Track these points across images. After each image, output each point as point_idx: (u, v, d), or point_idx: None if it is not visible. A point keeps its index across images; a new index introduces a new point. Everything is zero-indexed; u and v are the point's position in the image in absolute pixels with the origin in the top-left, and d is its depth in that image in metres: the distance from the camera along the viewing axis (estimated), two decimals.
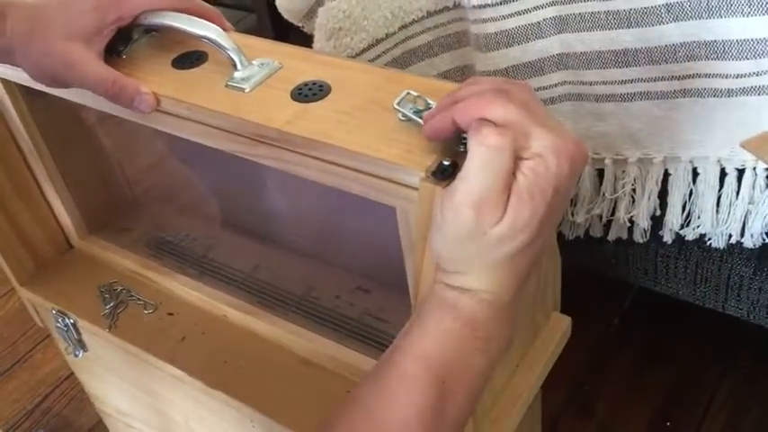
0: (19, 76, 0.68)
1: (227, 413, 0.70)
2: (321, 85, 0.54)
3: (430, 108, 0.49)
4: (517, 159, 0.41)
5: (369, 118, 0.51)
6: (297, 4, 0.87)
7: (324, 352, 0.68)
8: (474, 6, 0.72)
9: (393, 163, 0.47)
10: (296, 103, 0.53)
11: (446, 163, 0.45)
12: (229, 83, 0.56)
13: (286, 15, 0.88)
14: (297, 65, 0.57)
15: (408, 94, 0.50)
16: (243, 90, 0.55)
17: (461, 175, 0.41)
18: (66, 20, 0.54)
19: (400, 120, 0.50)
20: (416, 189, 0.46)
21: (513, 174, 0.41)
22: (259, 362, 0.70)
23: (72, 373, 1.21)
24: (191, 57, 0.60)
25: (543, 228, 0.41)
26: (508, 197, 0.41)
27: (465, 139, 0.46)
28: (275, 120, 0.52)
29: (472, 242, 0.42)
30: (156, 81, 0.58)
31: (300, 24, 0.89)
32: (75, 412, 1.16)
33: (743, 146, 0.61)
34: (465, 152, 0.46)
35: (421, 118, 0.48)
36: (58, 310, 0.80)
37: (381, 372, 0.45)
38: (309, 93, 0.54)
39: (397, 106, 0.49)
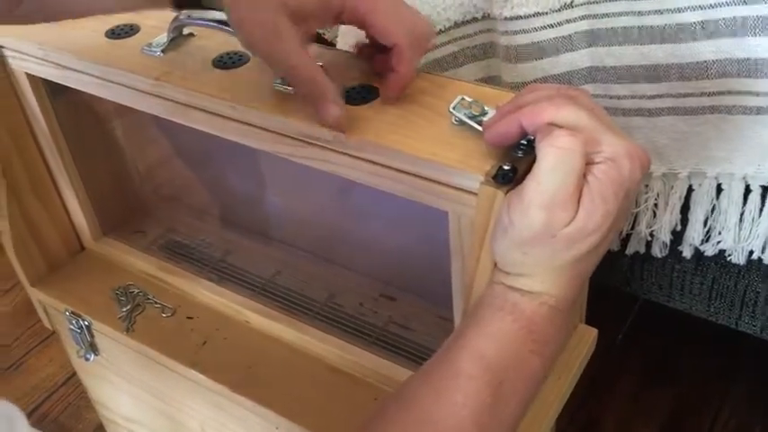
0: (45, 71, 0.67)
1: (250, 420, 0.69)
2: (369, 89, 0.54)
3: (486, 113, 0.49)
4: (588, 163, 0.41)
5: (421, 122, 0.51)
6: None
7: (351, 359, 0.68)
8: (505, 18, 0.73)
9: (451, 167, 0.47)
10: (346, 105, 0.53)
11: (506, 167, 0.45)
12: (276, 84, 0.55)
13: None
14: (341, 68, 0.57)
15: (463, 99, 0.50)
16: (291, 91, 0.54)
17: (531, 176, 0.42)
18: None
19: (453, 124, 0.50)
20: (474, 194, 0.46)
21: (584, 176, 0.41)
22: (284, 368, 0.69)
23: (68, 380, 1.19)
24: (231, 57, 0.60)
25: (610, 232, 0.42)
26: (578, 199, 0.41)
27: (524, 145, 0.46)
28: None
29: (540, 244, 0.42)
30: (198, 80, 0.58)
31: (322, 31, 0.89)
32: (72, 419, 1.14)
33: None
34: (523, 158, 0.46)
35: (477, 123, 0.48)
36: (72, 312, 0.78)
37: (435, 371, 0.44)
38: (358, 96, 0.54)
39: (452, 110, 0.49)
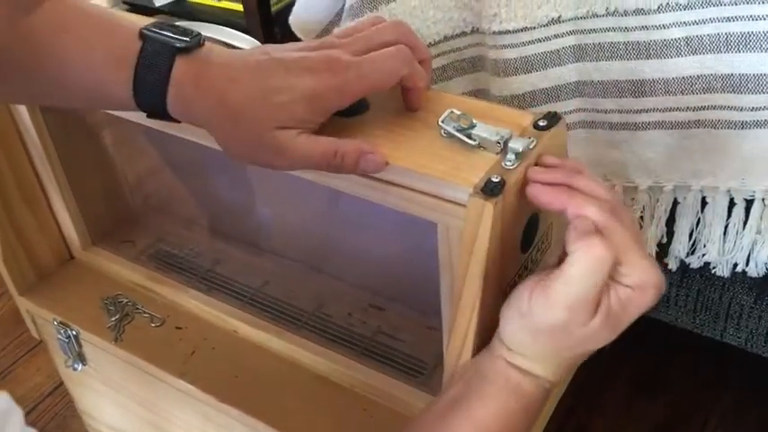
0: None
1: (237, 430, 0.69)
2: (360, 101, 0.54)
3: (474, 126, 0.49)
4: (616, 280, 0.43)
5: (411, 134, 0.51)
6: (311, 23, 0.87)
7: (339, 369, 0.68)
8: (494, 32, 0.74)
9: (440, 179, 0.47)
10: (335, 117, 0.54)
11: (495, 179, 0.46)
12: None
13: (299, 34, 0.88)
14: None
15: (452, 112, 0.51)
16: None
17: (561, 275, 0.43)
18: (271, 112, 0.47)
19: (442, 137, 0.51)
20: (463, 205, 0.47)
21: (608, 288, 0.43)
22: (272, 378, 0.69)
23: (55, 390, 1.18)
24: None
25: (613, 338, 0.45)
26: (598, 305, 0.43)
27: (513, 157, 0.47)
28: None
29: (553, 338, 0.45)
30: None
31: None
32: (58, 429, 1.13)
33: None
34: (511, 170, 0.47)
35: (466, 136, 0.49)
36: (60, 322, 0.78)
37: None
38: (348, 108, 0.54)
39: (441, 123, 0.50)
